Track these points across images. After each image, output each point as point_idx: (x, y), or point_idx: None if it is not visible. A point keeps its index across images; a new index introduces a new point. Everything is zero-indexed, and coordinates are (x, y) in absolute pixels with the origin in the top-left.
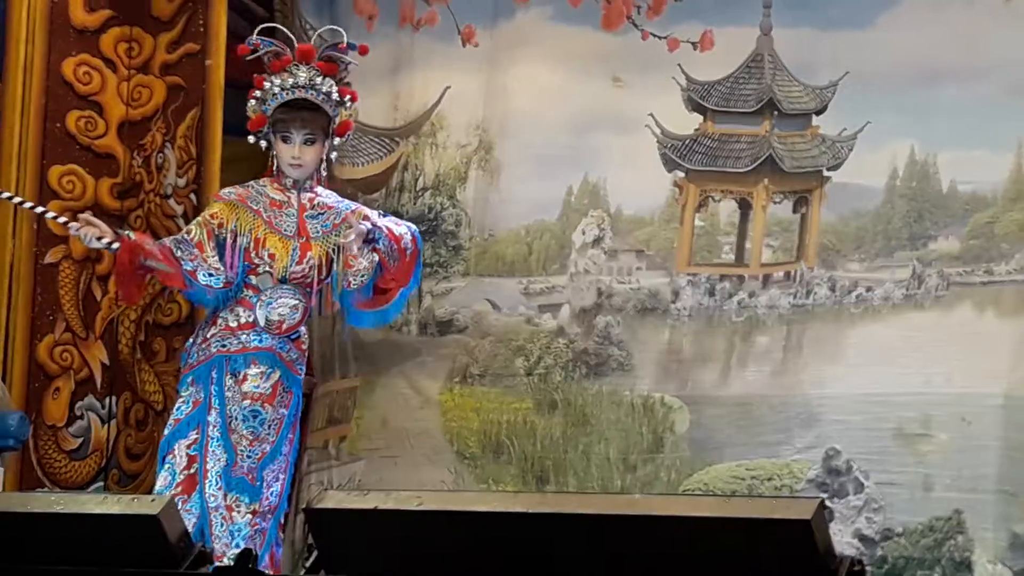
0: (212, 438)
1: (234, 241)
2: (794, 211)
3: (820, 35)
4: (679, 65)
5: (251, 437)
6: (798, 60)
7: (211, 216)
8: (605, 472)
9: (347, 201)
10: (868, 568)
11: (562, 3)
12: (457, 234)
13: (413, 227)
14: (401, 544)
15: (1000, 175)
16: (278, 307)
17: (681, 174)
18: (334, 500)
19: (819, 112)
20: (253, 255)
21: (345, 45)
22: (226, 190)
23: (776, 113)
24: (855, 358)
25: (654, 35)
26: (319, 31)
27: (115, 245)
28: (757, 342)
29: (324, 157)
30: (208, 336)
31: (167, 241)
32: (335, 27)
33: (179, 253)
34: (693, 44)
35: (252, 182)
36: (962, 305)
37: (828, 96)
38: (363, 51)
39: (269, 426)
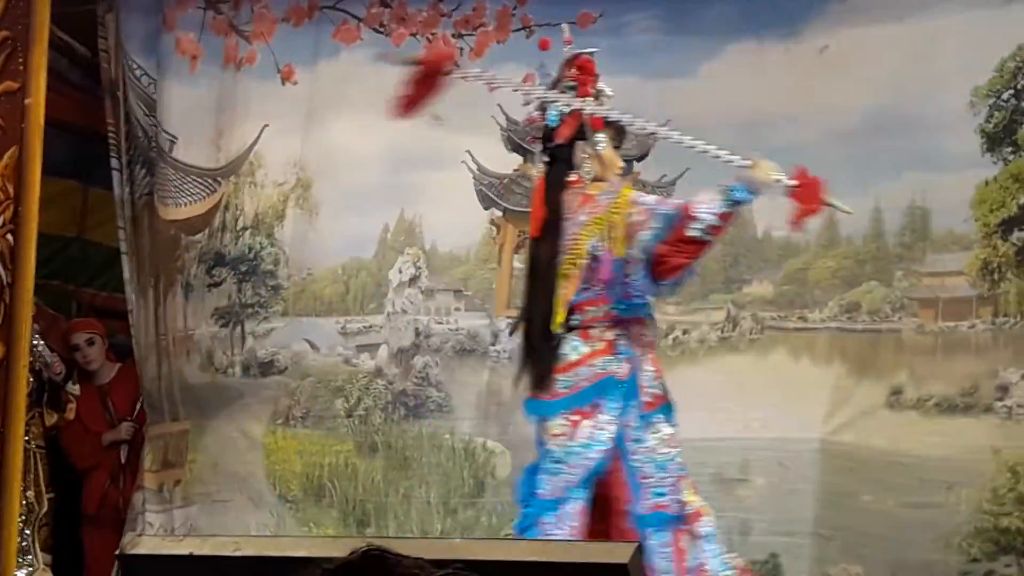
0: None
1: None
2: None
3: (644, 83)
4: (499, 105)
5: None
6: (621, 107)
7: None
8: (426, 516)
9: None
10: None
11: (385, 43)
12: (276, 273)
13: None
14: None
15: (813, 222)
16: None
17: (499, 213)
18: (148, 546)
19: (640, 158)
20: None
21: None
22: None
23: None
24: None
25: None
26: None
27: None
28: None
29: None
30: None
31: None
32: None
33: None
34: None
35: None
36: (777, 350)
37: (649, 143)
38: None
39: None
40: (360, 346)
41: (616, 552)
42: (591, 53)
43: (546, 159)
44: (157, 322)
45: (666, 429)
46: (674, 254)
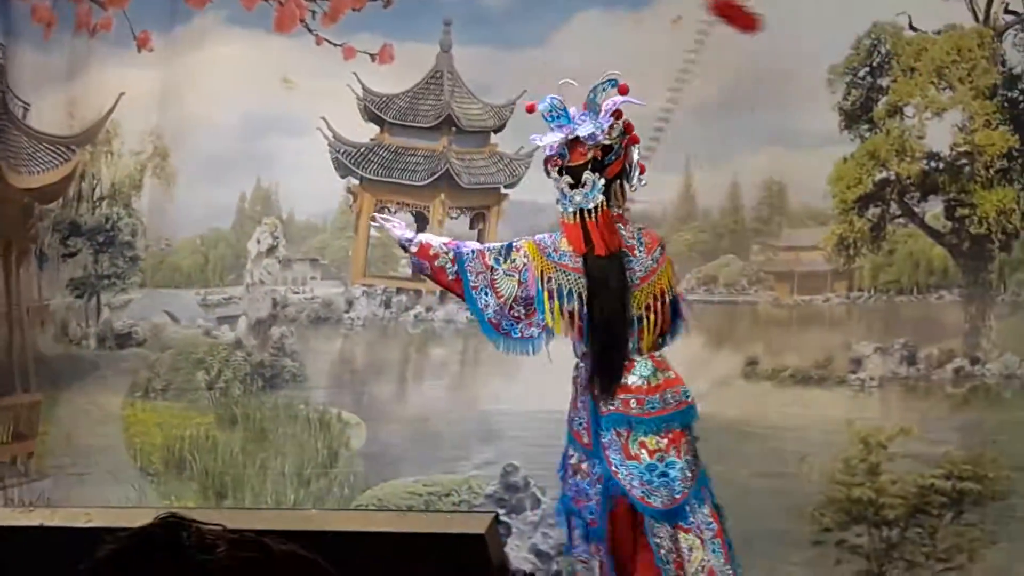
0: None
1: None
2: (471, 227)
3: (499, 54)
4: (355, 74)
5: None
6: (477, 78)
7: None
8: (279, 487)
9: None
10: None
11: (237, 6)
12: (134, 244)
13: None
14: (69, 563)
15: (670, 194)
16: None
17: (355, 181)
18: None
19: (497, 130)
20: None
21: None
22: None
23: (455, 130)
24: (532, 375)
25: (329, 41)
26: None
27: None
28: (434, 355)
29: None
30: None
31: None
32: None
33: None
34: (372, 55)
35: None
36: None
37: (506, 114)
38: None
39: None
40: (220, 318)
41: (473, 522)
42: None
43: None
44: (8, 292)
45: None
46: None
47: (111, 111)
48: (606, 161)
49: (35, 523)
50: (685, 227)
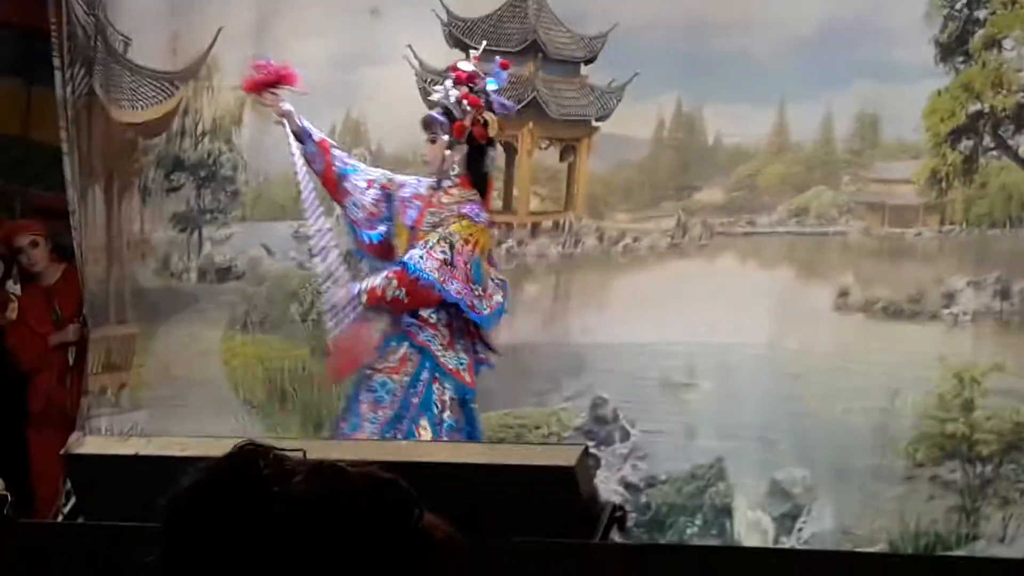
0: (359, 414)
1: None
2: (561, 159)
3: None
4: None
5: (377, 405)
6: (566, 7)
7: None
8: None
9: (464, 204)
10: (632, 515)
11: None
12: (235, 179)
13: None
14: (165, 492)
15: (763, 128)
16: (372, 278)
17: None
18: (93, 446)
19: (588, 61)
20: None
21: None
22: (399, 177)
23: (542, 56)
24: (622, 307)
25: None
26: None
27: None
28: (526, 290)
29: (451, 157)
30: None
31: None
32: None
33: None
34: None
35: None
36: (725, 255)
37: (597, 46)
38: (504, 66)
39: (393, 394)
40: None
41: (562, 455)
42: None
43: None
44: (109, 224)
45: None
46: None
47: (211, 46)
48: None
49: (129, 452)
50: (778, 160)
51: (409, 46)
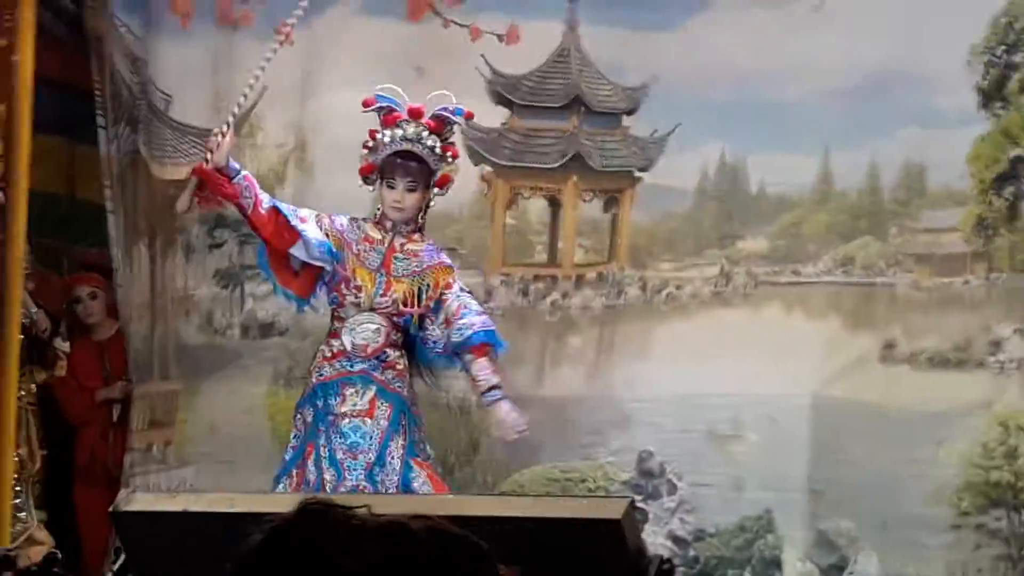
0: (324, 457)
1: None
2: (604, 211)
3: (630, 36)
4: (483, 56)
5: (354, 450)
6: (607, 59)
7: (322, 215)
8: None
9: (434, 251)
10: (680, 568)
11: None
12: None
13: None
14: (214, 548)
15: (807, 177)
16: (362, 332)
17: (488, 168)
18: (142, 502)
19: (629, 112)
20: (344, 288)
21: (453, 109)
22: (338, 218)
23: (584, 110)
24: (666, 358)
25: (456, 23)
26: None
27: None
28: (570, 343)
29: (423, 206)
30: (312, 368)
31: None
32: (445, 92)
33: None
34: (499, 36)
35: (359, 219)
36: (770, 304)
37: (638, 97)
38: (469, 116)
39: (371, 439)
40: None
41: (609, 508)
42: None
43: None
44: (153, 281)
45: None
46: None
47: (255, 104)
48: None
49: (178, 508)
50: (822, 208)
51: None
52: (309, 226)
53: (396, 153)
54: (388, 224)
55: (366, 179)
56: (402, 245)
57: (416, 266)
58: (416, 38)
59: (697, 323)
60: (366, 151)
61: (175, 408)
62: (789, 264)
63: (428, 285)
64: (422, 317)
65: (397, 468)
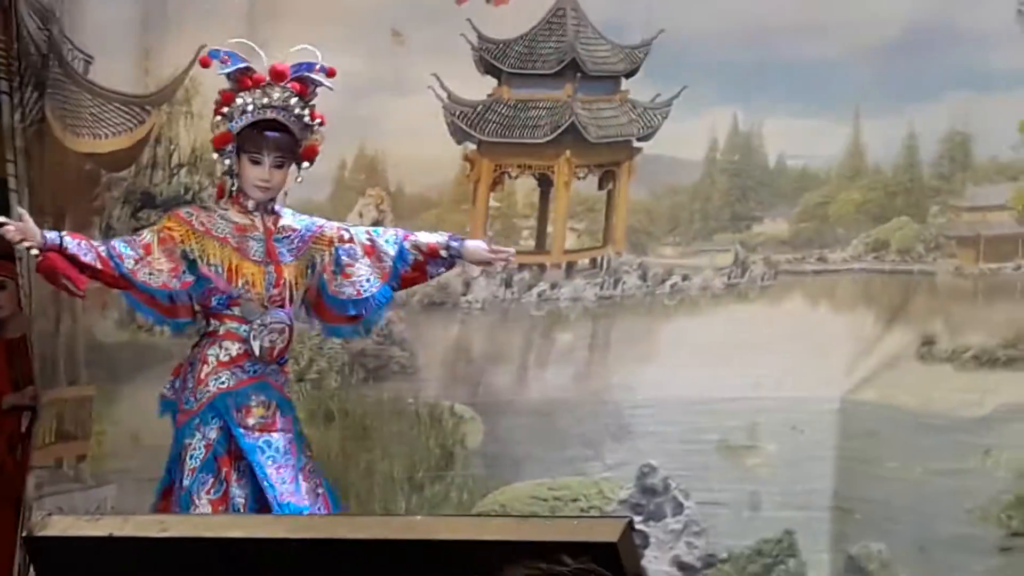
0: (235, 474)
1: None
2: (600, 187)
3: None
4: (469, 20)
5: (274, 466)
6: (605, 16)
7: (168, 228)
8: (389, 492)
9: (309, 219)
10: None
11: None
12: None
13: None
14: None
15: (835, 149)
16: (269, 334)
17: (472, 146)
18: (60, 526)
19: (628, 75)
20: (231, 287)
21: (319, 67)
22: (186, 210)
23: (579, 75)
24: (671, 358)
25: None
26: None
27: (34, 252)
28: (559, 340)
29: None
30: (203, 376)
31: (102, 244)
32: (308, 46)
33: (118, 250)
34: None
35: (212, 205)
36: (792, 297)
37: (639, 57)
38: (331, 73)
39: (285, 451)
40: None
41: (603, 529)
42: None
43: None
44: None
45: (187, 442)
46: None
47: (190, 66)
48: None
49: (103, 533)
50: (852, 185)
51: (435, 75)
52: (151, 269)
53: (257, 123)
54: (250, 204)
55: (220, 151)
56: (276, 223)
57: (299, 241)
58: None
59: (707, 318)
60: (219, 118)
61: (88, 417)
62: (814, 250)
63: (316, 260)
64: (321, 287)
65: (318, 482)
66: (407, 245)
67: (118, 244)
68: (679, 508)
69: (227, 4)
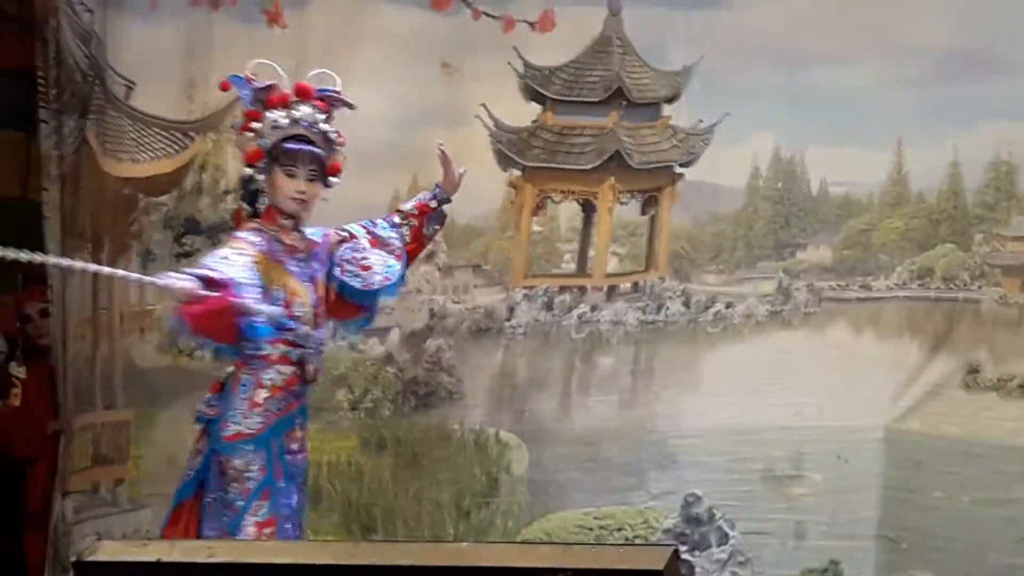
0: (283, 503)
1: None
2: (643, 213)
3: (672, 14)
4: (515, 48)
5: (297, 491)
6: (646, 42)
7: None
8: (437, 519)
9: (318, 230)
10: None
11: None
12: None
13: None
14: None
15: (877, 176)
16: (317, 355)
17: (517, 172)
18: (109, 551)
19: (670, 100)
20: (292, 310)
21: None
22: (248, 236)
23: (624, 103)
24: (714, 386)
25: (487, 14)
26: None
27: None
28: (601, 364)
29: None
30: (260, 400)
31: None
32: (326, 71)
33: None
34: (531, 24)
35: (259, 225)
36: (835, 324)
37: (680, 83)
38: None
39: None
40: (368, 330)
41: (649, 557)
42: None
43: None
44: (96, 294)
45: (238, 463)
46: None
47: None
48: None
49: (151, 558)
50: (895, 213)
51: (483, 105)
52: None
53: (288, 138)
54: (288, 223)
55: (252, 167)
56: (306, 241)
57: (323, 255)
58: (440, 29)
59: (751, 346)
60: (250, 134)
61: (125, 441)
62: (857, 277)
63: (331, 267)
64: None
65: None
66: (397, 220)
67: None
68: (724, 538)
69: (277, 35)
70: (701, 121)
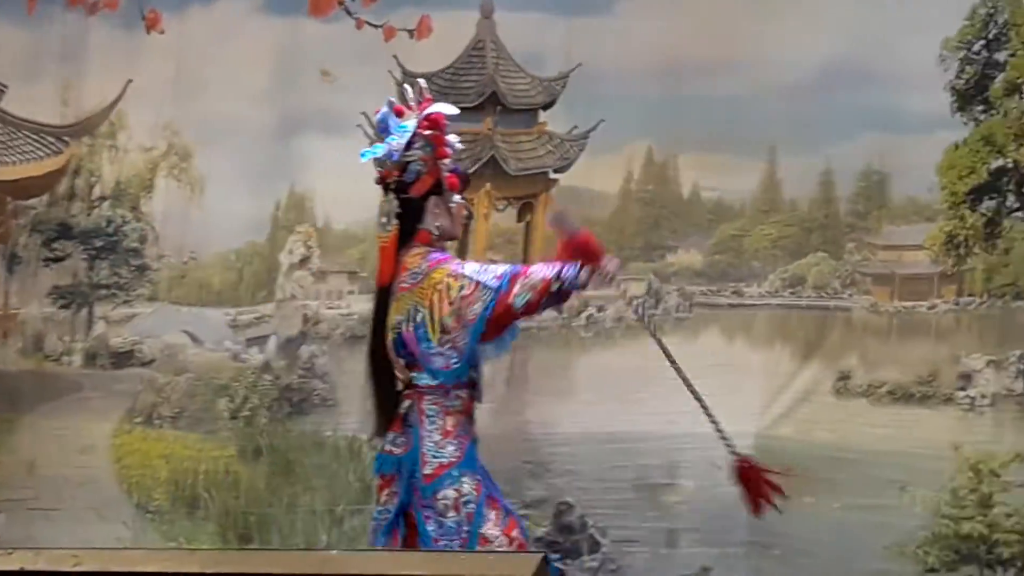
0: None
1: None
2: (519, 219)
3: (550, 21)
4: (395, 57)
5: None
6: (524, 48)
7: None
8: (310, 526)
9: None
10: None
11: None
12: (142, 252)
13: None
14: None
15: (750, 183)
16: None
17: None
18: None
19: (546, 107)
20: None
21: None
22: (455, 266)
23: (499, 108)
24: (588, 393)
25: (369, 24)
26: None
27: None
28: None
29: None
30: (450, 428)
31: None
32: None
33: None
34: (409, 32)
35: (443, 248)
36: (708, 330)
37: (557, 89)
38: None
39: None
40: (250, 339)
41: (518, 564)
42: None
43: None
44: None
45: (451, 493)
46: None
47: (116, 100)
48: (406, 180)
49: (14, 567)
50: (768, 220)
51: (364, 113)
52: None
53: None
54: (446, 241)
55: (457, 193)
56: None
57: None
58: (321, 38)
59: (624, 351)
60: (446, 160)
61: None
62: (730, 283)
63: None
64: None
65: None
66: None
67: None
68: (595, 546)
69: (155, 42)
70: (576, 127)
